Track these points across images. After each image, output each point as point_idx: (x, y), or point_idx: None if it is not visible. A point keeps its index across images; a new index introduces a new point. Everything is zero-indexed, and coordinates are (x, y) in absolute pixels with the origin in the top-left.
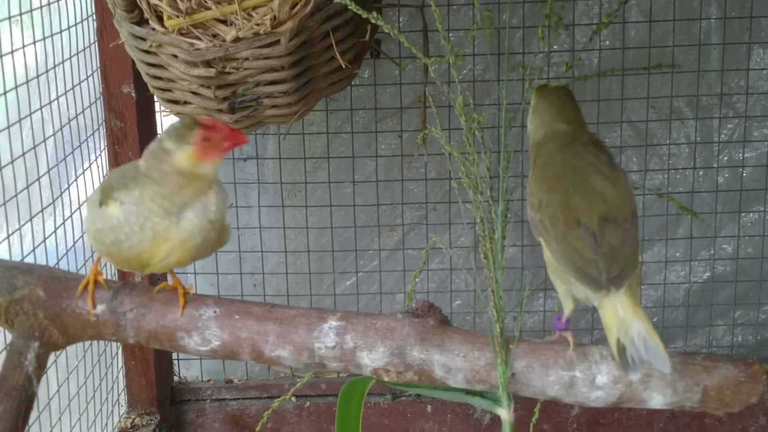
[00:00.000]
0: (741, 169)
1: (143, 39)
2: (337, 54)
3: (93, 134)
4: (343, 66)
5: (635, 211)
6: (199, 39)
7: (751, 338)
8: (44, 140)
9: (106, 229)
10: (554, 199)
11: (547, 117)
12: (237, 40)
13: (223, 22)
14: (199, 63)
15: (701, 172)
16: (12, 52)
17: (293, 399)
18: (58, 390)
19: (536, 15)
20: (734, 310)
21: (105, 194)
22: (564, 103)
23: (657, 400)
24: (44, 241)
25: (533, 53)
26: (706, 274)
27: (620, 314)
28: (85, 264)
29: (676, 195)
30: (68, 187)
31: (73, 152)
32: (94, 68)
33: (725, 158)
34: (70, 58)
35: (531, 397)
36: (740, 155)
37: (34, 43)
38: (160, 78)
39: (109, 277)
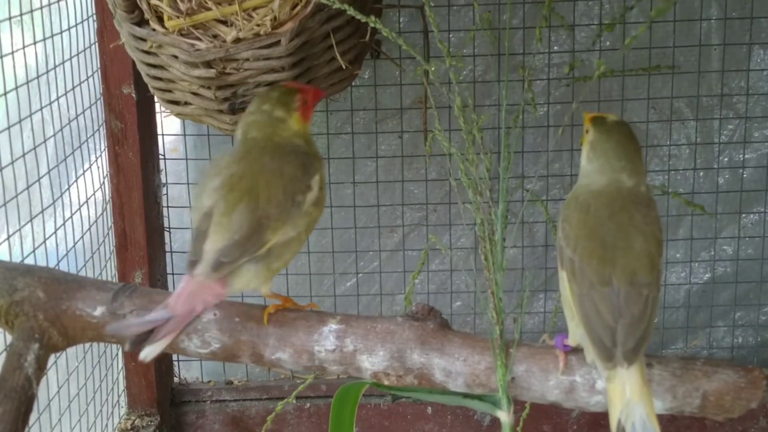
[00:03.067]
0: (741, 170)
1: (143, 40)
2: (338, 55)
3: (93, 135)
4: (344, 67)
5: (660, 271)
6: (200, 40)
7: (752, 339)
8: (44, 141)
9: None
10: (591, 246)
11: (615, 162)
12: (237, 40)
13: (224, 22)
14: (200, 64)
15: (701, 173)
16: (12, 52)
17: (293, 400)
18: (58, 391)
19: (537, 16)
20: (734, 311)
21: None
22: (628, 146)
23: (657, 405)
24: (44, 242)
25: (534, 54)
26: (707, 275)
27: (627, 396)
28: (85, 265)
29: None
30: (69, 188)
31: (73, 153)
32: (95, 69)
33: (726, 159)
34: (71, 58)
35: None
36: (741, 156)
37: (35, 43)
38: (160, 79)
39: (109, 279)
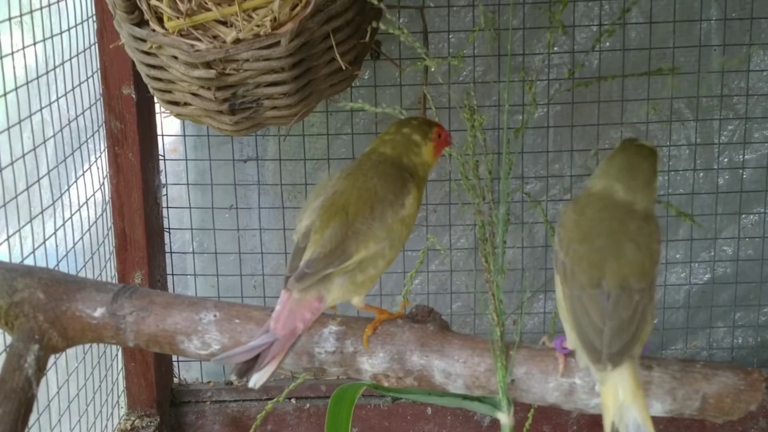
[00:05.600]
0: (741, 171)
1: (143, 40)
2: (338, 55)
3: (93, 135)
4: (344, 67)
5: (654, 281)
6: (200, 40)
7: (752, 340)
8: (44, 141)
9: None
10: (581, 250)
11: (613, 171)
12: (237, 41)
13: (224, 23)
14: (200, 64)
15: (701, 174)
16: (12, 53)
17: (293, 401)
18: (57, 392)
19: (537, 17)
20: (734, 311)
21: (385, 205)
22: (636, 166)
23: (656, 407)
24: (44, 242)
25: (534, 54)
26: (707, 276)
27: (620, 399)
28: (84, 265)
29: (677, 197)
30: (68, 189)
31: (73, 153)
32: (95, 69)
33: (725, 160)
34: (71, 59)
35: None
36: (740, 157)
37: (35, 44)
38: (160, 79)
39: (108, 279)
